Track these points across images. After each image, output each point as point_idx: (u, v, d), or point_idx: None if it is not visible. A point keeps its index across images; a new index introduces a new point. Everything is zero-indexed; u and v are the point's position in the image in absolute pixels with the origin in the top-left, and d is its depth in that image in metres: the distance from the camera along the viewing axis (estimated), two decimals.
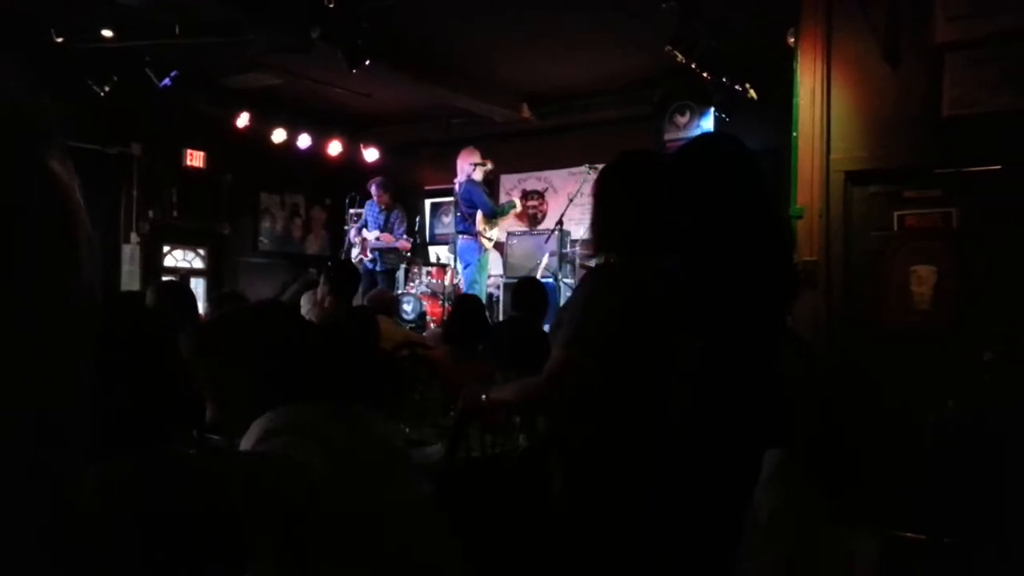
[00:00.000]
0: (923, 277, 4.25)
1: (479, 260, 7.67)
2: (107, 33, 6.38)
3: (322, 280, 4.83)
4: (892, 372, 4.20)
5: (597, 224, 2.18)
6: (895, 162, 4.38)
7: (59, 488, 0.45)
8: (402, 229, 8.23)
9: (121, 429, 1.53)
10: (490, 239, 7.77)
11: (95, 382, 0.48)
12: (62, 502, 0.45)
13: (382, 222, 8.25)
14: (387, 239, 8.17)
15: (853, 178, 4.45)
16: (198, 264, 9.47)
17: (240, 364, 1.61)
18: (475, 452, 2.76)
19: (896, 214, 4.40)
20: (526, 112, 8.78)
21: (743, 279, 2.08)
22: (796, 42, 4.72)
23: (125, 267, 8.56)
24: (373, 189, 8.33)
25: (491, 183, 8.43)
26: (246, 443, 1.52)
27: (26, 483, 0.42)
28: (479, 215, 7.68)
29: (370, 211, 8.41)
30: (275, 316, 1.74)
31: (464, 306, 4.47)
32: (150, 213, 8.70)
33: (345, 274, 4.90)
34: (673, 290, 2.05)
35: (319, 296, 4.80)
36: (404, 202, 8.82)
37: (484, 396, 2.42)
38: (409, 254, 8.48)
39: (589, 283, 2.10)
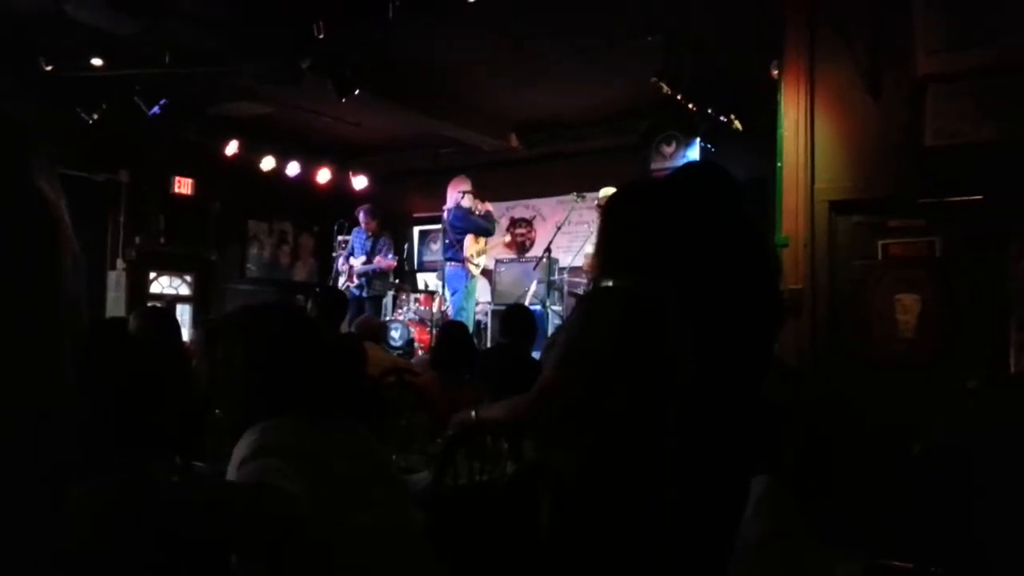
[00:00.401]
0: (907, 306, 4.29)
1: (467, 287, 7.67)
2: (97, 62, 6.40)
3: (309, 306, 4.83)
4: (877, 399, 4.22)
5: (603, 248, 2.20)
6: (879, 192, 4.44)
7: (50, 495, 0.46)
8: (390, 255, 8.24)
9: (101, 453, 1.51)
10: (477, 265, 7.78)
11: (76, 393, 0.49)
12: (54, 509, 0.46)
13: (369, 248, 8.26)
14: (378, 262, 8.18)
15: (837, 208, 4.51)
16: (184, 291, 9.43)
17: (244, 366, 1.61)
18: (462, 479, 2.75)
19: (880, 243, 4.45)
20: (514, 141, 8.85)
21: (729, 306, 2.09)
22: (780, 74, 4.80)
23: (111, 293, 8.51)
24: (361, 216, 8.34)
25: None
26: (237, 453, 1.51)
27: (19, 488, 0.43)
28: (467, 241, 7.70)
29: (357, 238, 8.41)
30: (289, 321, 1.73)
31: (451, 333, 4.47)
32: (137, 239, 8.67)
33: (333, 301, 4.90)
34: (667, 315, 2.06)
35: None
36: (392, 229, 8.84)
37: (473, 413, 2.42)
38: (396, 280, 8.48)
39: (584, 307, 2.11)
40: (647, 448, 2.02)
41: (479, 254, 7.78)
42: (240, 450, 1.51)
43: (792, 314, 4.33)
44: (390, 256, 8.20)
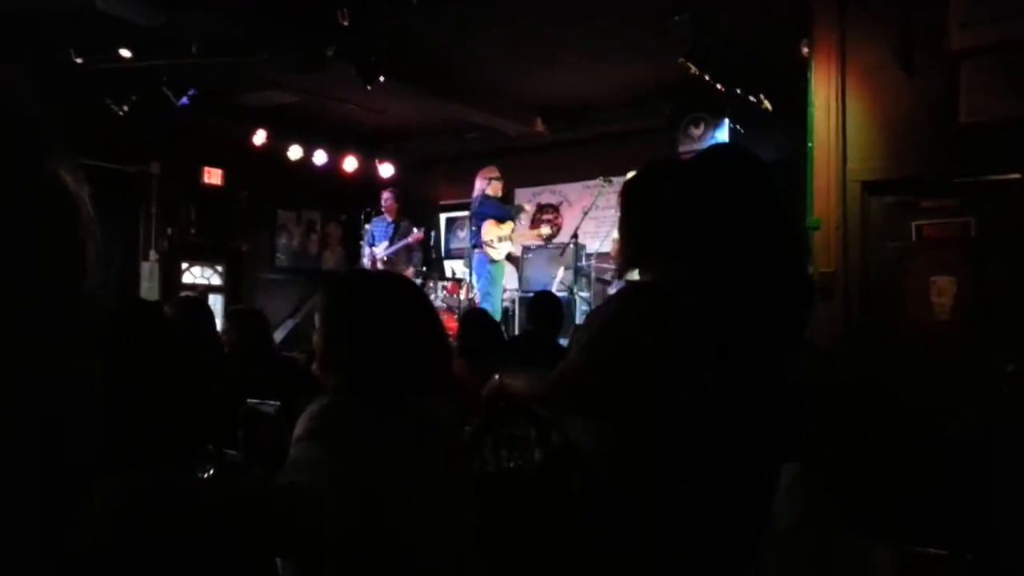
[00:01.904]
0: (942, 288, 4.20)
1: (490, 272, 7.66)
2: (125, 53, 6.46)
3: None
4: (911, 382, 4.15)
5: (624, 235, 2.17)
6: (912, 171, 4.35)
7: (65, 496, 0.45)
8: (414, 229, 8.24)
9: (131, 443, 1.53)
10: (496, 250, 7.72)
11: (102, 390, 0.48)
12: (68, 510, 0.45)
13: (392, 233, 8.28)
14: (407, 239, 8.21)
15: (870, 188, 4.42)
16: (216, 281, 9.54)
17: (346, 334, 1.62)
18: (490, 467, 2.75)
19: (914, 224, 4.36)
20: (540, 126, 8.80)
21: (758, 291, 2.06)
22: (810, 52, 4.71)
23: (144, 284, 8.64)
24: (385, 197, 8.38)
25: (506, 197, 8.43)
26: (301, 421, 1.53)
27: (29, 487, 0.42)
28: (485, 226, 7.70)
29: (377, 227, 8.44)
30: (399, 296, 1.73)
31: (478, 320, 4.47)
32: (168, 231, 8.78)
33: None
34: (696, 307, 2.03)
35: None
36: (419, 217, 8.85)
37: (497, 376, 2.41)
38: (424, 268, 8.49)
39: (615, 301, 2.09)
40: (669, 440, 2.00)
41: (500, 240, 7.73)
42: (302, 422, 1.52)
43: (824, 297, 4.27)
44: (414, 230, 8.21)
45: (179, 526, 1.14)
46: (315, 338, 1.68)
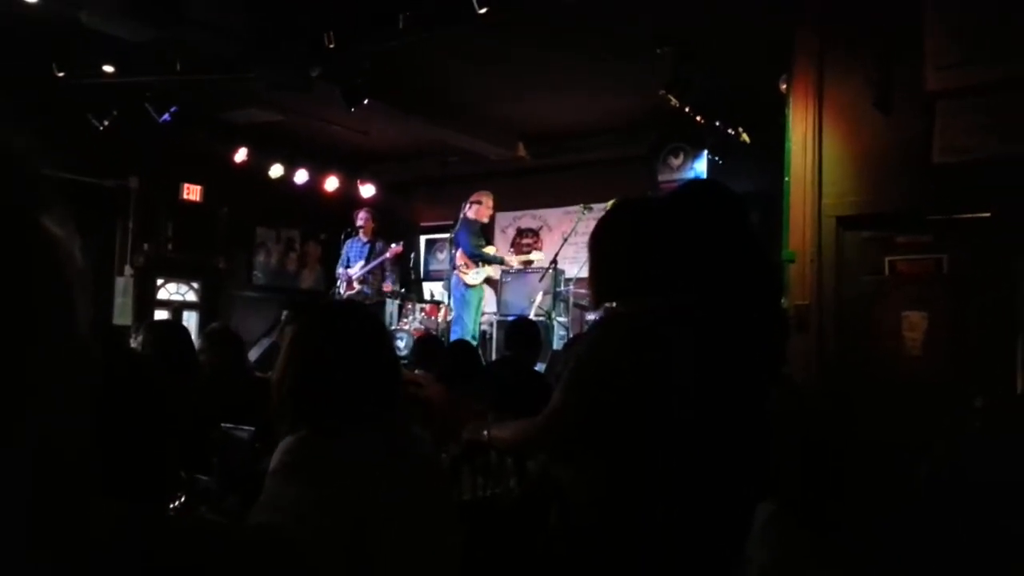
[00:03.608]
0: (914, 323, 4.27)
1: (463, 295, 7.64)
2: (108, 69, 6.44)
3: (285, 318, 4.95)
4: (883, 417, 4.20)
5: (597, 274, 2.19)
6: (887, 208, 4.43)
7: (56, 525, 0.47)
8: (392, 244, 8.16)
9: (111, 473, 1.52)
10: (469, 276, 7.69)
11: (91, 430, 0.50)
12: (60, 538, 0.47)
13: (366, 253, 8.24)
14: (374, 272, 8.16)
15: (845, 223, 4.50)
16: (191, 297, 9.46)
17: (306, 365, 1.62)
18: (466, 495, 2.75)
19: (887, 259, 4.44)
20: (522, 151, 8.86)
21: (733, 324, 2.09)
22: (788, 88, 4.80)
23: (118, 299, 8.54)
24: (361, 215, 8.30)
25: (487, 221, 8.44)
26: (276, 455, 1.54)
27: (22, 522, 0.44)
28: (458, 252, 7.72)
29: (352, 248, 8.39)
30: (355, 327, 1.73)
31: (456, 346, 4.48)
32: (145, 246, 8.71)
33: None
34: (673, 338, 2.05)
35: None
36: (399, 238, 8.84)
37: (486, 432, 2.43)
38: (403, 289, 8.46)
39: (595, 330, 2.11)
40: (647, 470, 2.01)
41: (475, 264, 7.69)
42: (277, 455, 1.53)
43: (798, 330, 4.32)
44: (392, 245, 8.17)
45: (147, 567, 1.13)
46: (275, 370, 1.69)
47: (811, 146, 4.55)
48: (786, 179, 4.64)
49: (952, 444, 3.71)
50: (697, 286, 2.11)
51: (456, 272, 7.72)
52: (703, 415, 2.02)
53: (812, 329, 4.38)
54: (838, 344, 4.45)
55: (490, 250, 7.91)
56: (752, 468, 2.08)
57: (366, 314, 1.85)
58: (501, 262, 7.95)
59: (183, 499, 2.22)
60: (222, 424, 2.75)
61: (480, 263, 7.68)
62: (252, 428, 2.63)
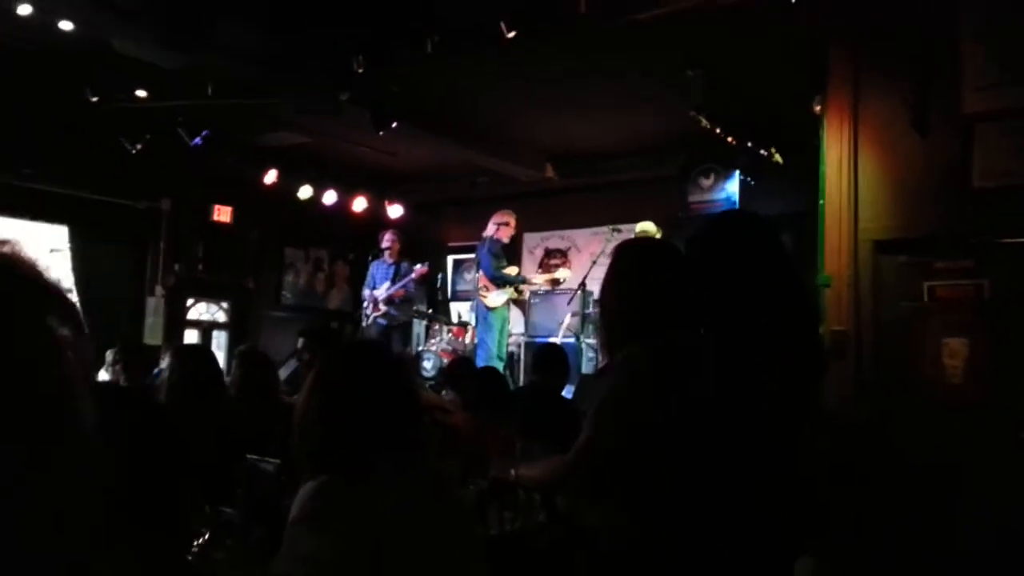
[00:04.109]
0: (955, 350, 4.14)
1: (485, 318, 7.58)
2: (141, 93, 6.52)
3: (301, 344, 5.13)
4: (924, 447, 4.07)
5: (618, 314, 2.14)
6: (925, 232, 4.32)
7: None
8: (417, 265, 8.16)
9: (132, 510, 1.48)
10: (488, 298, 7.61)
11: (96, 498, 0.53)
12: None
13: (392, 275, 8.23)
14: (400, 295, 8.15)
15: (882, 247, 4.39)
16: (221, 317, 9.52)
17: (321, 410, 1.60)
18: (493, 530, 2.69)
19: (926, 284, 4.32)
20: (550, 172, 8.83)
21: (767, 360, 2.02)
22: (823, 110, 4.71)
23: (149, 319, 8.61)
24: (387, 237, 8.33)
25: (513, 241, 8.39)
26: (297, 502, 1.53)
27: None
28: (479, 274, 7.68)
29: (377, 269, 8.40)
30: (370, 368, 1.71)
31: (483, 373, 4.43)
32: (176, 266, 8.78)
33: (323, 338, 5.13)
34: (702, 374, 1.99)
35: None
36: (427, 258, 8.83)
37: (513, 472, 2.39)
38: (430, 309, 8.42)
39: (620, 369, 2.05)
40: (678, 513, 1.95)
41: (496, 287, 7.61)
42: (298, 502, 1.51)
43: (836, 356, 4.21)
44: (418, 265, 8.15)
45: None
46: (296, 408, 1.66)
47: (846, 168, 4.45)
48: (821, 202, 4.55)
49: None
50: (724, 321, 2.06)
51: (477, 294, 7.69)
52: (735, 455, 1.95)
53: (849, 355, 4.27)
54: (876, 370, 4.34)
55: (512, 271, 7.84)
56: (789, 512, 2.00)
57: (387, 354, 1.82)
58: (523, 283, 7.86)
59: (208, 535, 2.19)
60: (248, 456, 2.72)
61: (501, 285, 7.61)
62: (277, 461, 2.60)
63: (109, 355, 5.33)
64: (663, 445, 1.97)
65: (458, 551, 1.67)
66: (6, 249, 0.51)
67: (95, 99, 6.50)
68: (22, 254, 0.52)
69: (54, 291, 0.52)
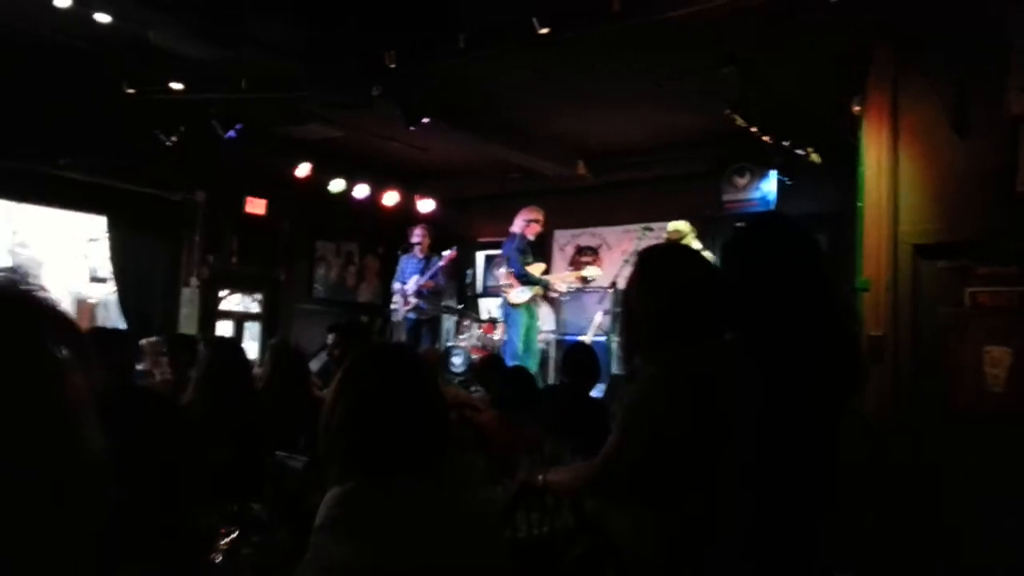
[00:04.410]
0: (997, 358, 4.04)
1: (508, 315, 7.54)
2: (176, 86, 6.58)
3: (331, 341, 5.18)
4: (963, 458, 3.97)
5: (644, 319, 2.10)
6: (967, 236, 4.21)
7: None
8: (445, 252, 8.15)
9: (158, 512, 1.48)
10: (510, 294, 7.55)
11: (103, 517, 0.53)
12: None
13: (422, 267, 8.24)
14: (429, 285, 8.14)
15: (922, 251, 4.29)
16: (254, 309, 9.60)
17: (345, 418, 1.59)
18: (521, 532, 2.67)
19: (968, 290, 4.22)
20: (582, 168, 8.77)
21: (804, 364, 1.97)
22: (862, 110, 4.62)
23: (184, 310, 8.71)
24: (417, 232, 8.33)
25: (543, 238, 8.35)
26: (322, 508, 1.52)
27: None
28: (502, 270, 7.64)
29: (407, 263, 8.41)
30: (394, 372, 1.69)
31: (513, 372, 4.41)
32: (210, 258, 8.86)
33: (353, 333, 5.20)
34: (733, 381, 1.95)
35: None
36: (457, 252, 8.83)
37: (541, 477, 2.37)
38: (461, 305, 8.41)
39: (650, 374, 2.02)
40: (709, 520, 1.91)
41: (521, 283, 7.55)
42: (323, 509, 1.50)
43: (873, 361, 4.13)
44: (446, 252, 8.13)
45: None
46: (323, 411, 1.65)
47: (886, 170, 4.36)
48: (859, 204, 4.45)
49: None
50: (761, 328, 2.01)
51: (501, 289, 7.65)
52: (769, 466, 1.91)
53: (887, 362, 4.18)
54: (914, 377, 4.24)
55: (536, 269, 7.74)
56: (828, 523, 1.96)
57: (412, 358, 1.79)
58: (546, 286, 7.74)
59: (235, 533, 2.20)
60: (277, 452, 2.73)
61: (525, 283, 7.55)
62: (305, 458, 2.60)
63: (144, 344, 5.39)
64: (693, 454, 1.94)
65: (482, 559, 1.65)
66: (7, 275, 0.51)
67: (131, 91, 6.57)
68: (15, 278, 0.51)
69: (51, 313, 0.51)
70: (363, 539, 1.40)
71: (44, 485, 0.47)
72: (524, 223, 7.66)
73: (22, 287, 0.51)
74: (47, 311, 0.51)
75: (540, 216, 7.70)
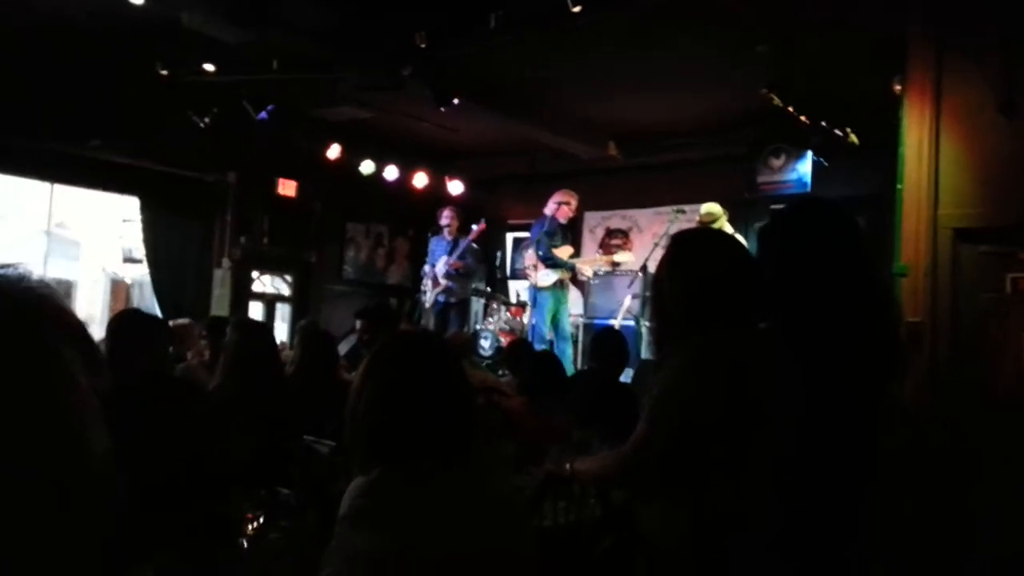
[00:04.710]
0: None
1: (534, 298, 7.49)
2: (209, 67, 6.60)
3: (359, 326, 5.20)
4: (1003, 447, 3.87)
5: (673, 305, 2.06)
6: (1009, 221, 4.09)
7: None
8: (474, 227, 8.11)
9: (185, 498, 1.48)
10: (534, 277, 7.48)
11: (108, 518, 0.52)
12: None
13: (451, 249, 8.21)
14: (458, 265, 8.11)
15: (963, 236, 4.18)
16: (285, 290, 9.67)
17: (371, 404, 1.58)
18: (547, 520, 2.65)
19: (1010, 276, 4.11)
20: (613, 150, 8.68)
21: (840, 352, 1.92)
22: (903, 90, 4.49)
23: (216, 291, 8.80)
24: (446, 213, 8.29)
25: (574, 221, 8.27)
26: (345, 497, 1.52)
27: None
28: (529, 252, 7.57)
29: (437, 245, 8.38)
30: (422, 360, 1.67)
31: (538, 356, 4.39)
32: (242, 239, 8.93)
33: (381, 318, 5.21)
34: (767, 369, 1.91)
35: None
36: (486, 235, 8.79)
37: (568, 465, 2.34)
38: (488, 288, 8.39)
39: (681, 361, 1.98)
40: (742, 512, 1.88)
41: (546, 266, 7.48)
42: (346, 499, 1.50)
43: (910, 347, 4.04)
44: (474, 226, 8.10)
45: None
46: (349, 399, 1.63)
47: (927, 152, 4.24)
48: (899, 186, 4.34)
49: None
50: (799, 314, 1.96)
51: (526, 272, 7.60)
52: (805, 456, 1.87)
53: (925, 347, 4.08)
54: (953, 363, 4.15)
55: (564, 252, 7.63)
56: (864, 508, 1.91)
57: (438, 347, 1.77)
58: (572, 269, 7.65)
59: (262, 517, 2.20)
60: (304, 436, 2.73)
61: (552, 266, 7.47)
62: (332, 443, 2.60)
63: (176, 325, 5.45)
64: (723, 441, 1.90)
65: (508, 547, 1.63)
66: (10, 272, 0.50)
67: (164, 73, 6.61)
68: (16, 276, 0.50)
69: (53, 311, 0.50)
70: (388, 528, 1.39)
71: (46, 487, 0.46)
72: (556, 206, 7.59)
73: (24, 284, 0.50)
74: (49, 309, 0.50)
75: (573, 200, 7.62)
